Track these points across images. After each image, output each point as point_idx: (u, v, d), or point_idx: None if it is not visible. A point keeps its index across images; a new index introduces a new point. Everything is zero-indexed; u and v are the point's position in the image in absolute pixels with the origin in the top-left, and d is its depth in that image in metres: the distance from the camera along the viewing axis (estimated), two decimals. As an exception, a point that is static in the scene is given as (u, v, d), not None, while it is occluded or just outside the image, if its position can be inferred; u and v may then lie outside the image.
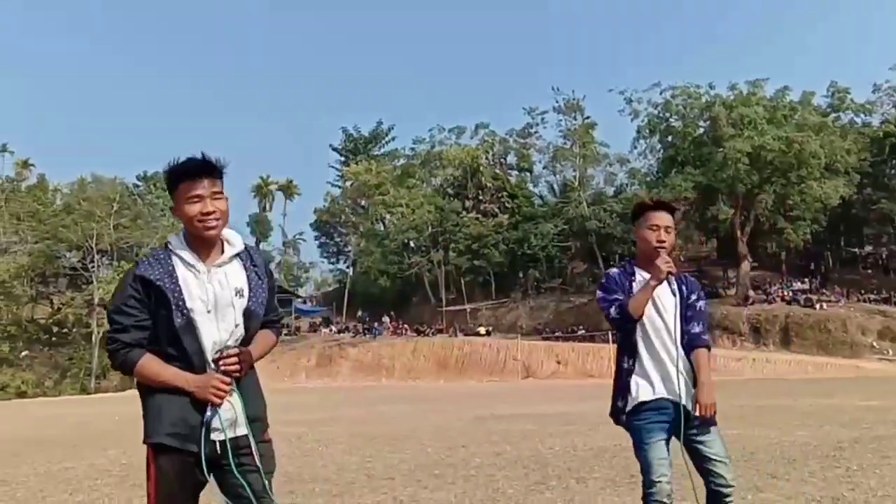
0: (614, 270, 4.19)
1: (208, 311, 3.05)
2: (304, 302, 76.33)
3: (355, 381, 50.24)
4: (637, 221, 4.21)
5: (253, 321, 3.16)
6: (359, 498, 7.39)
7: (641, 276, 4.06)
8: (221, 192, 3.11)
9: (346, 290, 69.49)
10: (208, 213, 3.04)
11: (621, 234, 57.36)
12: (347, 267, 76.54)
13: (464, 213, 63.36)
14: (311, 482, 8.35)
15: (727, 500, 3.91)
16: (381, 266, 64.42)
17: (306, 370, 54.52)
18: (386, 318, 61.64)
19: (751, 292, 49.79)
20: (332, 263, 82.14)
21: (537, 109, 65.03)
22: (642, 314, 3.93)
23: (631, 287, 4.04)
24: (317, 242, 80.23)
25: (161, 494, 3.03)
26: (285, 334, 64.26)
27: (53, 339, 56.35)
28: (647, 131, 55.56)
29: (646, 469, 3.86)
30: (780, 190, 49.48)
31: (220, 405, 3.02)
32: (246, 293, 3.15)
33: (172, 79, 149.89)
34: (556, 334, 51.82)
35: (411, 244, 65.29)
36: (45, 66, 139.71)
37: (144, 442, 3.05)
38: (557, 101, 62.84)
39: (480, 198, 64.96)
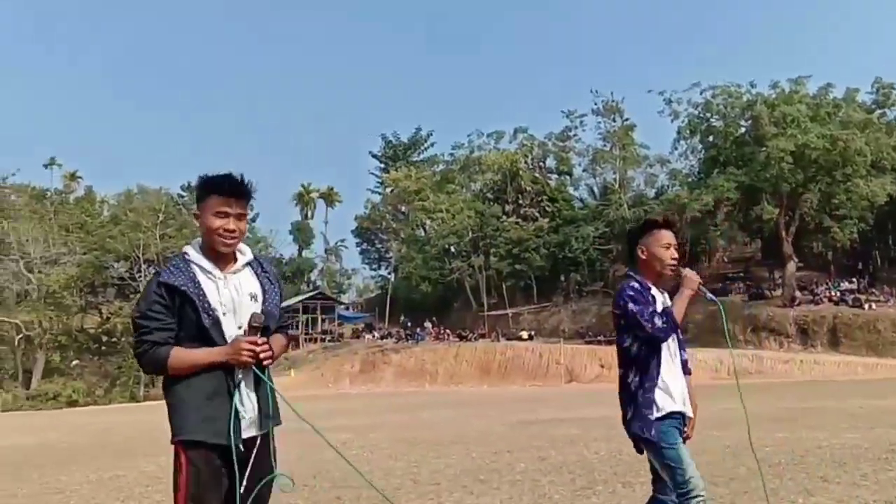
0: (635, 284, 4.10)
1: (224, 315, 3.28)
2: (347, 308, 76.78)
3: (398, 386, 50.38)
4: (645, 238, 4.19)
5: (271, 321, 3.37)
6: (405, 503, 7.44)
7: (655, 290, 4.10)
8: (245, 214, 3.39)
9: (388, 296, 69.78)
10: (229, 231, 3.31)
11: (663, 236, 56.88)
12: (389, 273, 76.91)
13: (504, 217, 63.28)
14: (357, 488, 8.41)
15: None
16: (422, 272, 64.61)
17: (350, 376, 54.80)
18: (428, 324, 61.74)
19: (797, 293, 48.95)
20: (374, 270, 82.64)
21: (576, 112, 64.82)
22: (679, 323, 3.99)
23: (653, 301, 4.04)
24: (358, 249, 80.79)
25: (191, 484, 3.13)
26: (328, 340, 64.82)
27: (103, 348, 57.37)
28: (688, 132, 54.97)
29: (680, 467, 3.90)
30: (826, 189, 48.61)
31: (251, 364, 3.23)
32: (260, 297, 3.39)
33: (212, 89, 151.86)
34: (599, 338, 51.44)
35: (452, 249, 65.36)
36: (89, 80, 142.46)
37: (173, 441, 3.21)
38: (596, 104, 62.56)
39: (520, 202, 64.83)
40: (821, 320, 45.96)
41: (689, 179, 56.93)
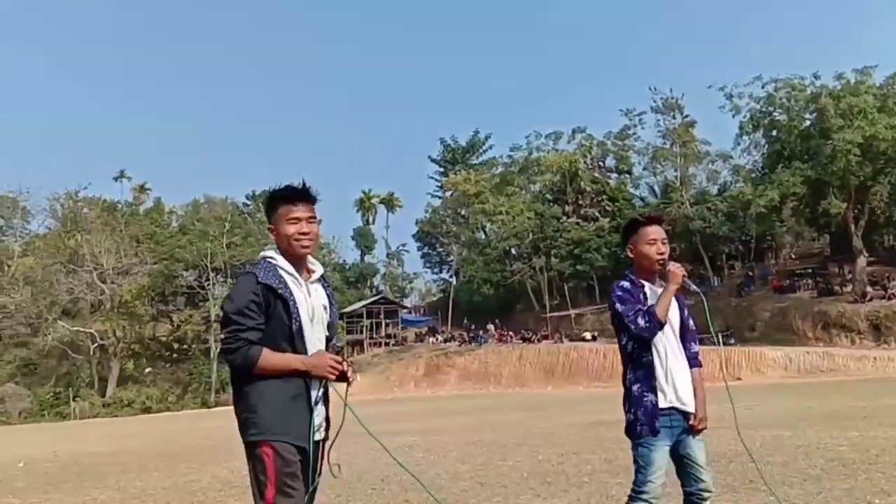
0: (625, 283, 4.25)
1: (311, 320, 3.47)
2: (410, 312, 77.22)
3: (463, 389, 50.54)
4: (631, 238, 4.33)
5: (332, 332, 3.65)
6: (476, 504, 7.52)
7: (650, 287, 4.19)
8: (315, 217, 3.57)
9: (450, 299, 69.98)
10: (304, 234, 3.49)
11: (727, 233, 55.95)
12: (450, 276, 77.16)
13: (564, 218, 63.00)
14: (424, 491, 8.53)
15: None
16: (483, 274, 64.68)
17: (414, 380, 55.16)
18: (490, 326, 61.76)
19: (868, 288, 47.65)
20: (436, 273, 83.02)
21: (634, 110, 64.22)
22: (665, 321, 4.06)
23: (644, 299, 4.15)
24: (419, 253, 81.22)
25: (280, 474, 3.29)
26: (392, 344, 65.33)
27: (174, 355, 58.76)
28: (750, 126, 53.93)
29: (646, 468, 4.09)
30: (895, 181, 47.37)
31: (332, 379, 3.46)
32: (328, 309, 3.63)
33: (273, 97, 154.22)
34: (664, 338, 50.86)
35: (513, 251, 65.30)
36: (155, 94, 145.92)
37: (254, 440, 3.35)
38: (655, 101, 61.86)
39: (580, 202, 64.48)
40: (893, 316, 44.69)
41: (753, 175, 55.87)
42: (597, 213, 63.11)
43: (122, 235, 61.25)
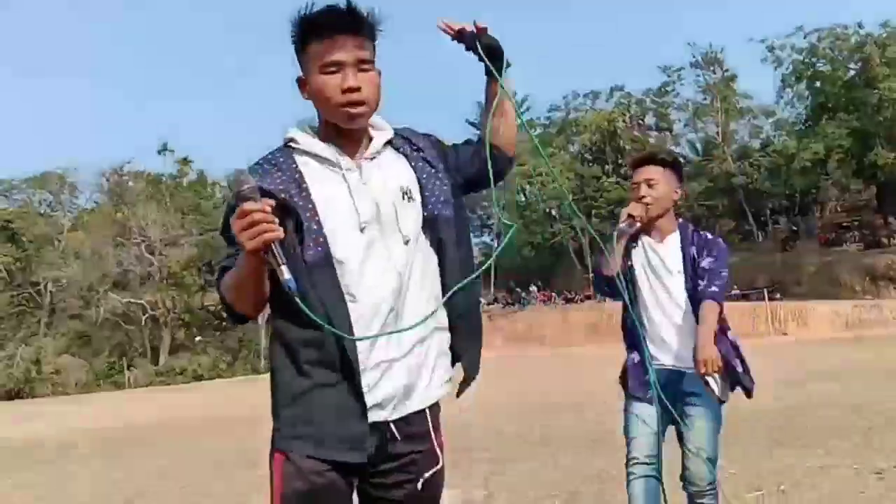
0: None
1: (361, 230, 1.99)
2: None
3: (508, 351, 50.82)
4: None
5: (443, 231, 2.11)
6: (520, 464, 7.69)
7: (644, 239, 3.71)
8: (372, 62, 2.04)
9: (493, 263, 70.11)
10: (351, 90, 1.98)
11: (771, 188, 55.23)
12: (492, 240, 77.28)
13: (604, 178, 62.64)
14: (471, 451, 8.72)
15: (696, 498, 3.48)
16: (524, 236, 64.71)
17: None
18: (533, 288, 61.88)
19: (918, 239, 46.99)
20: (477, 237, 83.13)
21: (673, 67, 63.31)
22: (614, 273, 3.40)
23: (629, 256, 3.71)
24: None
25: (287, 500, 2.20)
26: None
27: (223, 323, 59.60)
28: (793, 79, 53.08)
29: (626, 435, 3.62)
30: (946, 129, 46.38)
31: (258, 247, 1.80)
32: (416, 193, 2.11)
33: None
34: (708, 295, 50.60)
35: (553, 213, 65.17)
36: (195, 66, 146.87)
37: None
38: (694, 56, 60.91)
39: (620, 161, 63.99)
40: (944, 266, 43.97)
41: (797, 128, 55.03)
42: (637, 172, 62.59)
43: (167, 208, 62.07)
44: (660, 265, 3.64)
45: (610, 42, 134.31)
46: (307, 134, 2.09)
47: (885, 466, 5.93)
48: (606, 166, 64.00)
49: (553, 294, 60.50)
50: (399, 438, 2.01)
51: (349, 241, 1.97)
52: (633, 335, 3.66)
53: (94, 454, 12.62)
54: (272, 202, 1.81)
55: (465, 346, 2.17)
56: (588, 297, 57.58)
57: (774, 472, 6.21)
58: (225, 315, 2.10)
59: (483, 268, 2.14)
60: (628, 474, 3.48)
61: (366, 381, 1.94)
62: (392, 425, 2.00)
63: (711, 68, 60.95)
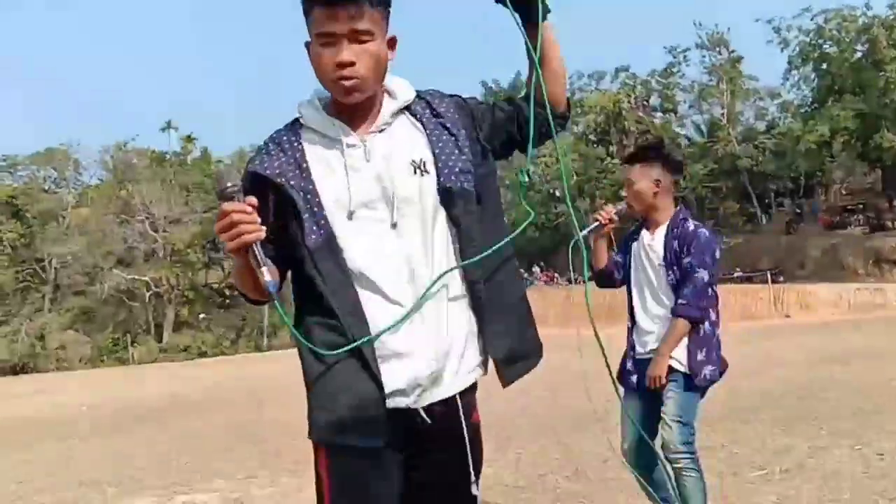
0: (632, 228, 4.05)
1: (351, 214, 1.90)
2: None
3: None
4: None
5: (460, 205, 1.96)
6: (524, 442, 7.75)
7: (643, 233, 3.92)
8: (371, 32, 1.87)
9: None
10: (342, 64, 1.85)
11: (775, 170, 55.09)
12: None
13: (608, 159, 62.50)
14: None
15: (672, 465, 3.65)
16: (527, 217, 64.68)
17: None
18: (536, 268, 61.95)
19: (922, 222, 46.90)
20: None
21: (679, 47, 62.98)
22: (601, 268, 4.01)
23: (629, 248, 3.98)
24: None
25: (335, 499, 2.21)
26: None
27: (227, 301, 59.76)
28: (800, 60, 52.66)
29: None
30: (952, 112, 46.13)
31: (233, 247, 1.78)
32: (431, 165, 1.96)
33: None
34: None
35: (556, 194, 65.10)
36: (200, 47, 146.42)
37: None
38: (700, 37, 60.53)
39: (624, 143, 63.76)
40: (948, 250, 43.92)
41: (803, 111, 54.78)
42: (642, 154, 62.47)
43: (171, 185, 62.08)
44: (647, 258, 3.84)
45: (616, 22, 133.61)
46: (314, 108, 1.98)
47: (888, 448, 5.97)
48: (611, 147, 63.82)
49: (556, 275, 60.53)
50: (430, 423, 1.94)
51: (344, 225, 1.89)
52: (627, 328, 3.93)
53: (99, 430, 12.72)
54: (254, 200, 1.74)
55: (491, 327, 2.02)
56: (592, 278, 57.58)
57: (778, 452, 6.27)
58: (246, 300, 2.06)
59: (494, 248, 1.99)
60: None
61: (384, 368, 1.88)
62: (422, 411, 1.93)
63: (717, 49, 60.61)
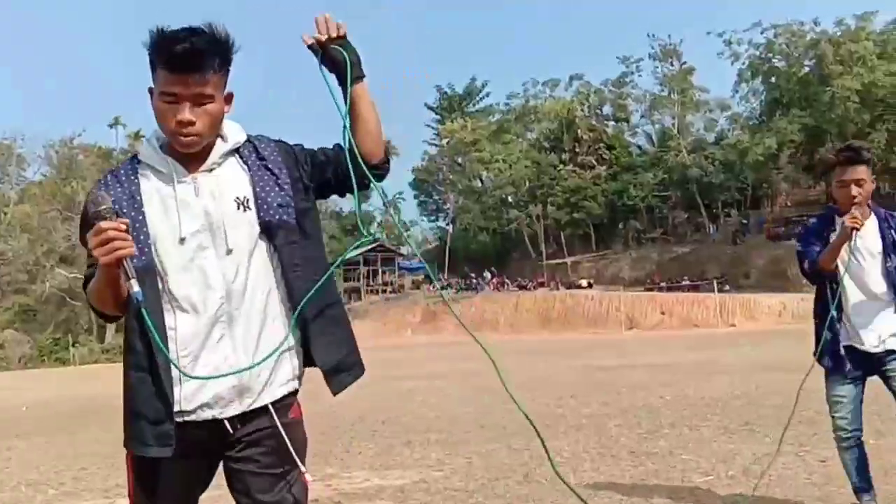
0: (813, 220, 4.24)
1: (181, 241, 2.09)
2: (407, 260, 77.54)
3: (460, 336, 50.88)
4: (829, 175, 4.08)
5: (280, 236, 2.16)
6: (474, 447, 7.69)
7: (840, 225, 3.95)
8: (212, 96, 2.07)
9: (447, 248, 70.21)
10: (182, 124, 2.05)
11: (723, 181, 56.00)
12: (447, 224, 77.21)
13: (561, 166, 62.98)
14: (426, 432, 8.75)
15: None
16: (480, 222, 64.88)
17: (412, 326, 55.51)
18: (487, 274, 62.09)
19: (864, 236, 48.01)
20: (432, 221, 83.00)
21: (632, 57, 63.77)
22: (834, 267, 3.93)
23: (828, 237, 3.99)
24: (416, 201, 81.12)
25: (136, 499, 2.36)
26: (390, 292, 65.62)
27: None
28: (749, 74, 53.84)
29: (830, 411, 4.20)
30: (893, 128, 47.30)
31: (110, 261, 1.95)
32: (252, 202, 2.15)
33: (272, 40, 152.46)
34: (661, 285, 51.25)
35: (509, 199, 65.37)
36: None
37: None
38: (653, 48, 61.45)
39: (577, 150, 64.36)
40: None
41: (751, 123, 55.87)
42: (594, 161, 63.05)
43: (117, 183, 61.10)
44: (860, 249, 3.93)
45: (571, 31, 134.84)
46: (152, 147, 2.18)
47: (829, 454, 5.99)
48: (563, 154, 64.30)
49: (506, 280, 60.76)
50: (238, 429, 2.14)
51: (170, 252, 2.10)
52: (829, 317, 4.01)
53: (42, 430, 12.35)
54: (127, 221, 1.97)
55: (315, 340, 2.21)
56: (541, 285, 57.95)
57: (724, 458, 6.28)
58: (98, 316, 2.28)
59: (327, 274, 2.23)
60: (837, 445, 4.20)
61: (189, 385, 2.09)
62: (226, 422, 2.13)
63: (670, 60, 61.54)
